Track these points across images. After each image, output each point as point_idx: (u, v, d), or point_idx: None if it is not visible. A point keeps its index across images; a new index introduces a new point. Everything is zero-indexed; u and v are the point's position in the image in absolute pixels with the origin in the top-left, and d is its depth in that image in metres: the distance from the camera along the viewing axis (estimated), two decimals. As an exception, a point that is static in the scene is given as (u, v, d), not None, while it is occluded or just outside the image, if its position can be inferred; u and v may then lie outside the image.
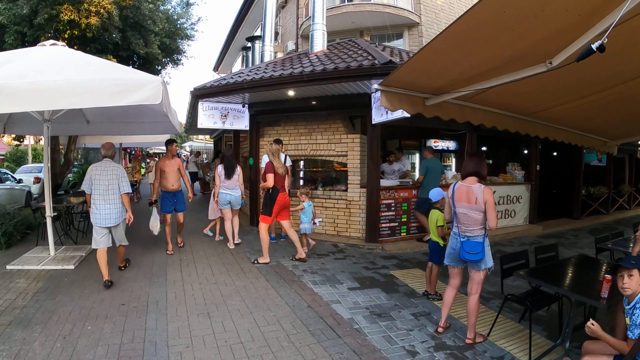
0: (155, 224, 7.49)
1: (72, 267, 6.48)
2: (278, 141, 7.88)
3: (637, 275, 2.91)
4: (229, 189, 8.11)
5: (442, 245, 5.43)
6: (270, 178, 6.95)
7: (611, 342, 2.96)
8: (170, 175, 7.55)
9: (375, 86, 4.72)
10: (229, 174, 8.07)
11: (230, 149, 8.94)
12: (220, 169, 8.13)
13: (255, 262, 7.06)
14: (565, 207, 13.12)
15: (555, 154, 14.48)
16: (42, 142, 29.93)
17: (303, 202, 7.87)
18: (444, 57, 3.76)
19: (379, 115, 7.78)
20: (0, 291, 5.38)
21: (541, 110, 5.65)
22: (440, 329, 4.54)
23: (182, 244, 8.14)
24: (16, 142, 23.40)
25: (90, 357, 3.76)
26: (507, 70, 3.77)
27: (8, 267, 6.36)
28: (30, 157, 25.61)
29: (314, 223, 7.98)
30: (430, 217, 5.64)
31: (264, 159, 8.10)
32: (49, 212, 6.89)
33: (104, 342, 4.06)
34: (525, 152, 13.06)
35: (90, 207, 5.79)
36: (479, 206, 4.12)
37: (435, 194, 5.58)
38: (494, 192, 9.84)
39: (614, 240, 6.05)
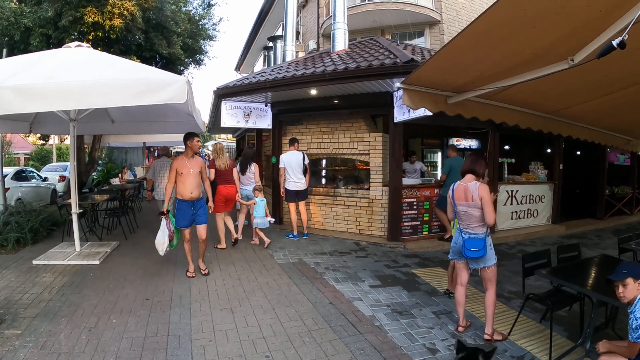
0: (162, 240, 5.81)
1: (97, 262, 6.60)
2: (294, 140, 8.65)
3: (632, 283, 2.91)
4: (243, 185, 8.40)
5: None
6: (212, 173, 7.72)
7: (619, 351, 2.99)
8: (188, 179, 5.88)
9: (398, 84, 4.70)
10: (243, 170, 8.43)
11: (253, 148, 9.16)
12: (237, 165, 8.37)
13: (215, 247, 7.76)
14: (589, 207, 12.86)
15: (578, 153, 14.21)
16: (66, 142, 30.47)
17: (257, 197, 8.14)
18: (465, 55, 3.73)
19: (401, 113, 7.76)
20: (26, 285, 5.51)
21: (564, 108, 5.55)
22: (460, 328, 4.52)
23: (205, 271, 6.27)
24: (41, 142, 23.76)
25: (114, 350, 3.83)
26: (529, 68, 3.73)
27: (34, 262, 6.49)
28: (55, 156, 26.11)
29: (269, 219, 8.22)
30: None
31: (281, 159, 8.79)
32: (74, 209, 7.04)
33: (128, 335, 4.14)
34: (549, 151, 12.85)
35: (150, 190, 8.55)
36: (476, 203, 4.18)
37: None
38: (517, 191, 10.00)
39: (638, 240, 5.90)
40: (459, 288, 4.56)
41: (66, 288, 5.43)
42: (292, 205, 8.96)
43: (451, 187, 4.52)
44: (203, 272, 6.22)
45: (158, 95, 4.67)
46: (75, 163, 7.29)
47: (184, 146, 6.11)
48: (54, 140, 26.81)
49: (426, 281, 6.21)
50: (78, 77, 4.68)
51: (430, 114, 5.91)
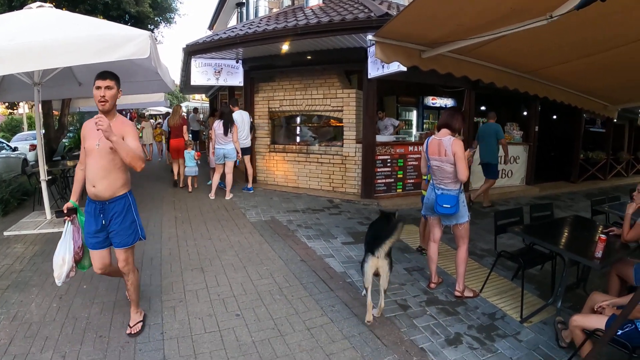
0: (60, 261, 3.58)
1: (68, 228, 6.44)
2: (236, 101, 9.29)
3: None
4: (224, 144, 8.45)
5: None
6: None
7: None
8: (91, 158, 3.37)
9: (370, 37, 4.54)
10: (225, 131, 8.36)
11: (228, 107, 9.10)
12: (216, 124, 8.47)
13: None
14: (563, 170, 13.04)
15: (555, 117, 14.35)
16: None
17: (186, 150, 9.42)
18: (440, 7, 3.61)
19: (375, 69, 7.62)
20: None
21: (541, 68, 5.47)
22: (432, 285, 4.56)
23: (134, 330, 3.52)
24: (9, 111, 23.16)
25: (85, 316, 3.78)
26: (506, 23, 3.61)
27: (5, 233, 6.33)
28: (25, 126, 25.44)
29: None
30: None
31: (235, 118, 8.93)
32: (43, 176, 6.85)
33: (99, 300, 4.09)
34: (525, 113, 12.90)
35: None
36: (449, 158, 4.12)
37: None
38: None
39: (610, 203, 5.94)
40: (432, 245, 4.56)
41: (37, 257, 5.32)
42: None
43: (425, 141, 4.46)
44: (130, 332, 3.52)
45: (120, 51, 4.48)
46: (42, 129, 7.05)
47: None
48: (23, 109, 26.10)
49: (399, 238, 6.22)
50: (37, 37, 4.48)
51: (405, 69, 5.90)
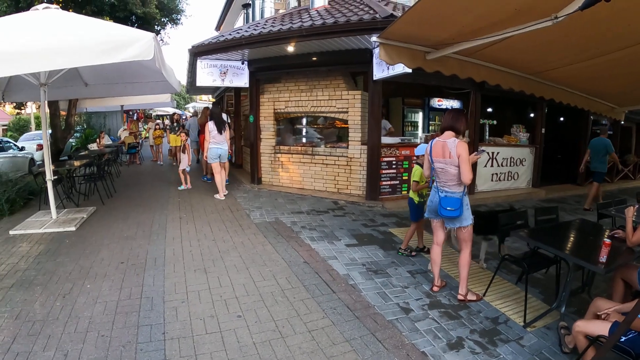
0: None
1: (73, 228, 6.49)
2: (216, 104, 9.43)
3: None
4: (219, 144, 8.78)
5: (416, 202, 5.45)
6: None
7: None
8: None
9: (374, 38, 4.58)
10: (220, 130, 8.72)
11: (218, 106, 9.78)
12: (211, 125, 8.74)
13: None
14: (569, 173, 12.90)
15: (561, 119, 14.21)
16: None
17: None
18: (445, 8, 3.61)
19: (380, 70, 7.62)
20: (2, 256, 5.38)
21: (547, 70, 5.44)
22: (435, 288, 4.53)
23: None
24: (17, 111, 23.30)
25: (88, 315, 3.79)
26: (511, 24, 3.60)
27: (11, 232, 6.36)
28: (33, 126, 25.59)
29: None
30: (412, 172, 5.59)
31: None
32: (49, 176, 6.88)
33: (102, 300, 4.09)
34: (531, 115, 12.84)
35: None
36: (453, 160, 4.09)
37: (419, 148, 5.40)
38: (498, 153, 10.00)
39: (617, 207, 5.87)
40: (435, 247, 4.54)
41: (42, 256, 5.34)
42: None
43: (429, 143, 4.42)
44: None
45: (124, 52, 4.53)
46: (49, 130, 7.10)
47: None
48: (31, 109, 26.27)
49: (403, 240, 6.20)
50: (42, 38, 4.54)
51: (410, 70, 5.90)
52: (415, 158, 5.69)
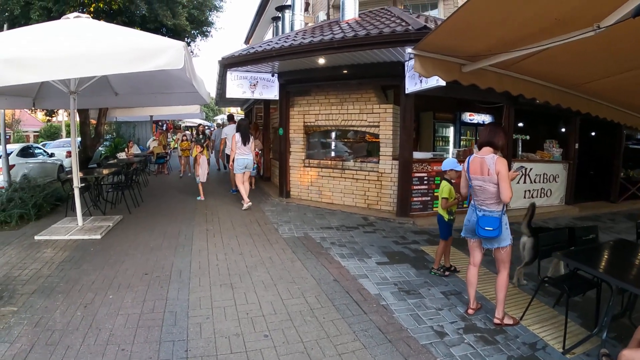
0: None
1: (98, 237, 6.48)
2: (232, 116, 10.68)
3: None
4: (245, 154, 9.09)
5: (446, 219, 5.28)
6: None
7: None
8: None
9: (409, 50, 4.48)
10: (245, 141, 9.01)
11: (246, 120, 10.16)
12: (237, 137, 9.02)
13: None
14: (602, 189, 12.44)
15: (593, 133, 13.78)
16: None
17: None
18: (482, 18, 3.45)
19: (413, 84, 7.47)
20: (27, 261, 5.39)
21: (585, 83, 5.26)
22: (470, 310, 4.31)
23: None
24: (48, 118, 23.83)
25: (109, 327, 3.69)
26: (550, 35, 3.43)
27: (36, 237, 6.39)
28: (64, 133, 26.12)
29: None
30: (440, 188, 5.40)
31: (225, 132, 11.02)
32: (76, 183, 6.91)
33: (124, 312, 4.00)
34: (563, 130, 12.45)
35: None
36: (492, 177, 3.88)
37: (446, 163, 5.29)
38: (531, 169, 9.69)
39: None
40: (471, 268, 4.33)
41: (66, 263, 5.31)
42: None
43: (466, 159, 4.23)
44: None
45: (154, 61, 4.46)
46: (78, 137, 7.13)
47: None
48: (62, 116, 26.84)
49: (435, 259, 5.98)
50: (71, 46, 4.51)
51: (444, 83, 5.79)
52: (443, 174, 5.49)
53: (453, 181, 5.20)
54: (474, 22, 3.56)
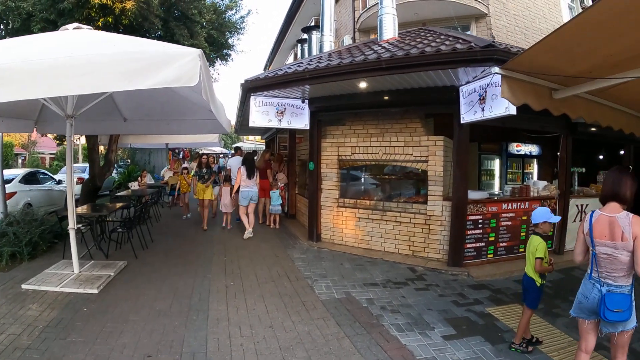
0: None
1: (95, 291, 5.53)
2: (238, 148, 11.02)
3: None
4: (249, 187, 9.57)
5: (539, 284, 4.24)
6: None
7: None
8: None
9: (496, 69, 3.86)
10: (250, 175, 9.56)
11: (253, 153, 10.65)
12: (243, 170, 9.55)
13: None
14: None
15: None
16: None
17: (272, 190, 10.74)
18: (595, 33, 3.04)
19: (472, 112, 6.33)
20: (7, 320, 4.53)
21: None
22: None
23: None
24: (57, 142, 23.31)
25: None
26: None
27: (23, 286, 5.58)
28: (80, 156, 25.56)
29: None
30: (528, 244, 4.33)
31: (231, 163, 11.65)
32: (71, 224, 5.97)
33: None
34: (620, 155, 11.33)
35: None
36: (627, 244, 3.01)
37: (538, 214, 4.28)
38: (587, 205, 8.50)
39: None
40: (582, 356, 3.34)
41: (51, 329, 4.33)
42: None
43: (587, 217, 3.27)
44: None
45: (159, 74, 3.41)
46: (72, 169, 6.21)
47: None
48: (80, 140, 26.32)
49: (509, 327, 4.79)
50: (52, 55, 3.54)
51: (514, 112, 5.32)
52: (532, 227, 4.37)
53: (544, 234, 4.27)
54: (583, 38, 3.16)
